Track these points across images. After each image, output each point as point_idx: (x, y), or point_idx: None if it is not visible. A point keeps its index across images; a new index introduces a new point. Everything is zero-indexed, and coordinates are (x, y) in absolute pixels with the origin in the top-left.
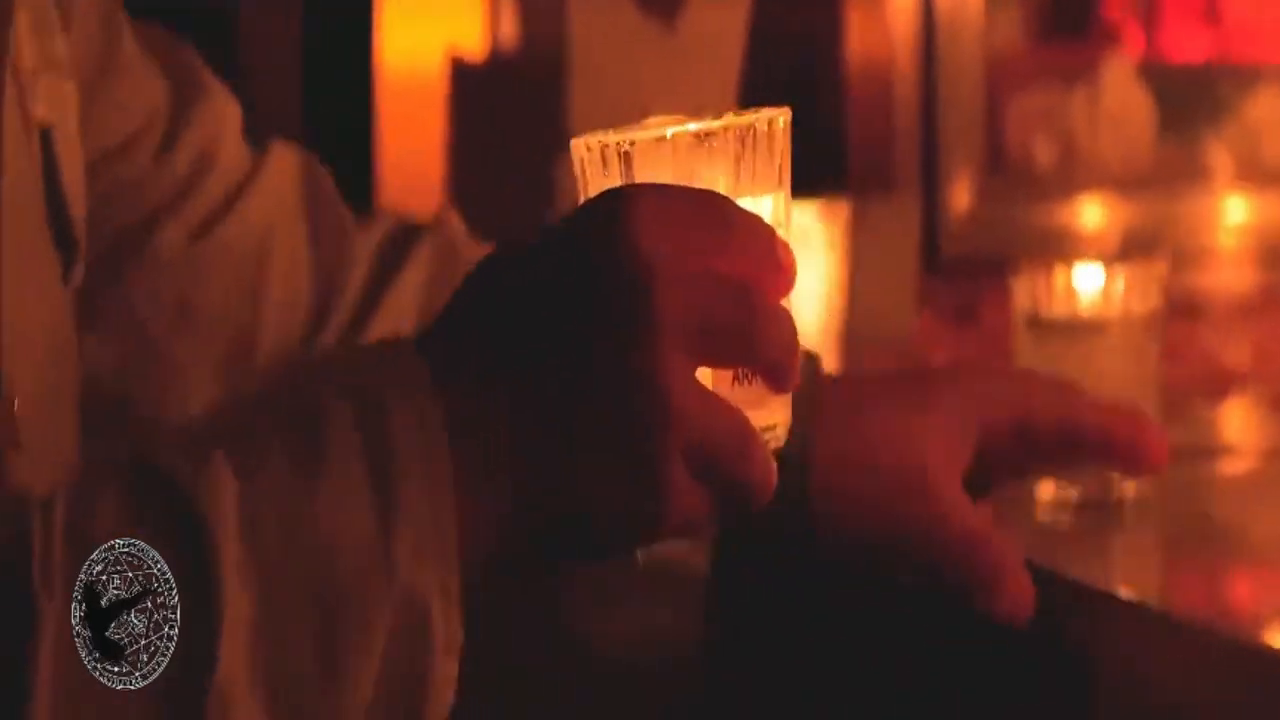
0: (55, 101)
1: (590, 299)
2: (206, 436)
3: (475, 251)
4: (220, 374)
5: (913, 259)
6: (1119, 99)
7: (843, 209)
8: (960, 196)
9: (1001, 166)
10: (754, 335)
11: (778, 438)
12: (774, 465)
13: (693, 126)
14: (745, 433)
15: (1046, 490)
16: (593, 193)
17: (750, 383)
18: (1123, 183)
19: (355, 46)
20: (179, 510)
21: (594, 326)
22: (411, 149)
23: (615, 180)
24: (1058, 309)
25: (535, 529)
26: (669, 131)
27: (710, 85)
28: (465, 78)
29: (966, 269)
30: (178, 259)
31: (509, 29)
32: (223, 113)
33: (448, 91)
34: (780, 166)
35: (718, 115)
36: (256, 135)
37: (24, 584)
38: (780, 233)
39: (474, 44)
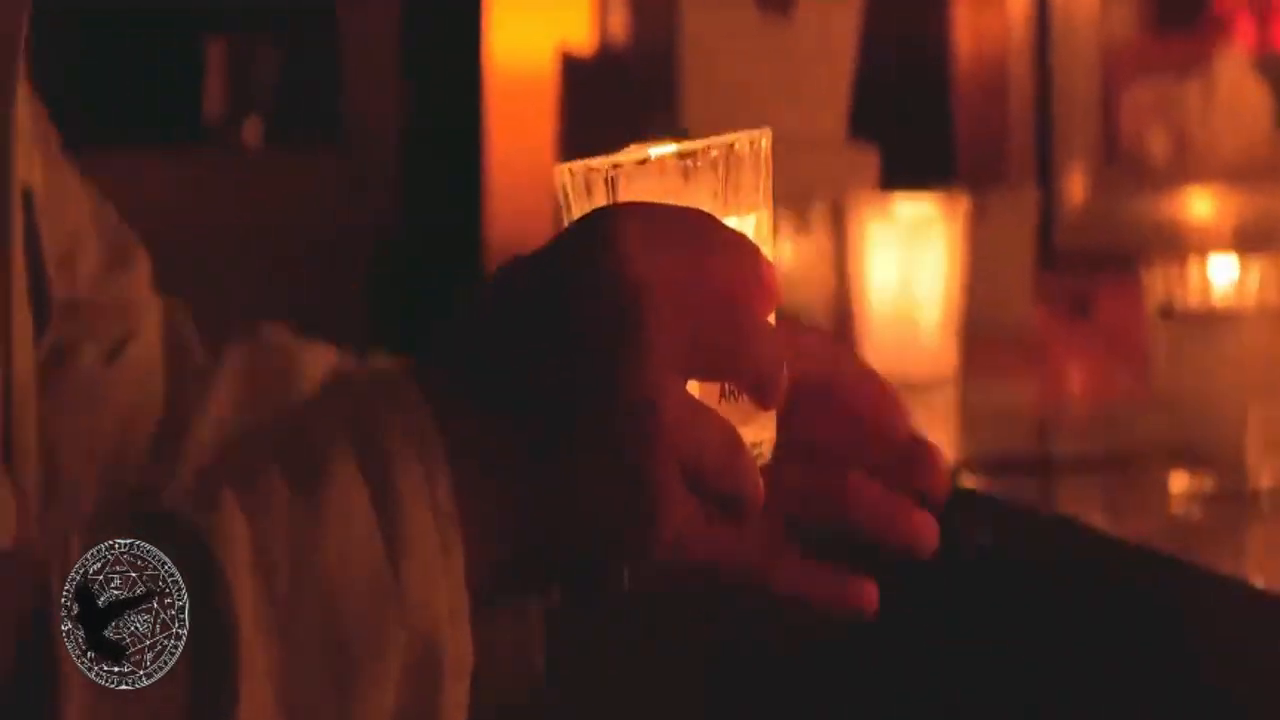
0: (32, 166)
1: (581, 318)
2: (212, 475)
3: (286, 360)
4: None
5: (1029, 252)
6: (1234, 91)
7: (962, 202)
8: (1075, 189)
9: (1115, 159)
10: (740, 351)
11: (763, 454)
12: (760, 479)
13: (676, 148)
14: (735, 445)
15: (1180, 481)
16: (577, 218)
17: (737, 400)
18: (1237, 174)
19: (464, 44)
20: (194, 559)
21: (585, 345)
22: (521, 147)
23: (600, 204)
24: (1192, 301)
25: (535, 546)
26: (652, 153)
27: (824, 79)
28: (576, 74)
29: (1081, 262)
30: (90, 382)
31: (619, 25)
32: (145, 262)
33: (558, 88)
34: (763, 185)
35: (699, 139)
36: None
37: (49, 646)
38: (765, 250)
39: (584, 40)
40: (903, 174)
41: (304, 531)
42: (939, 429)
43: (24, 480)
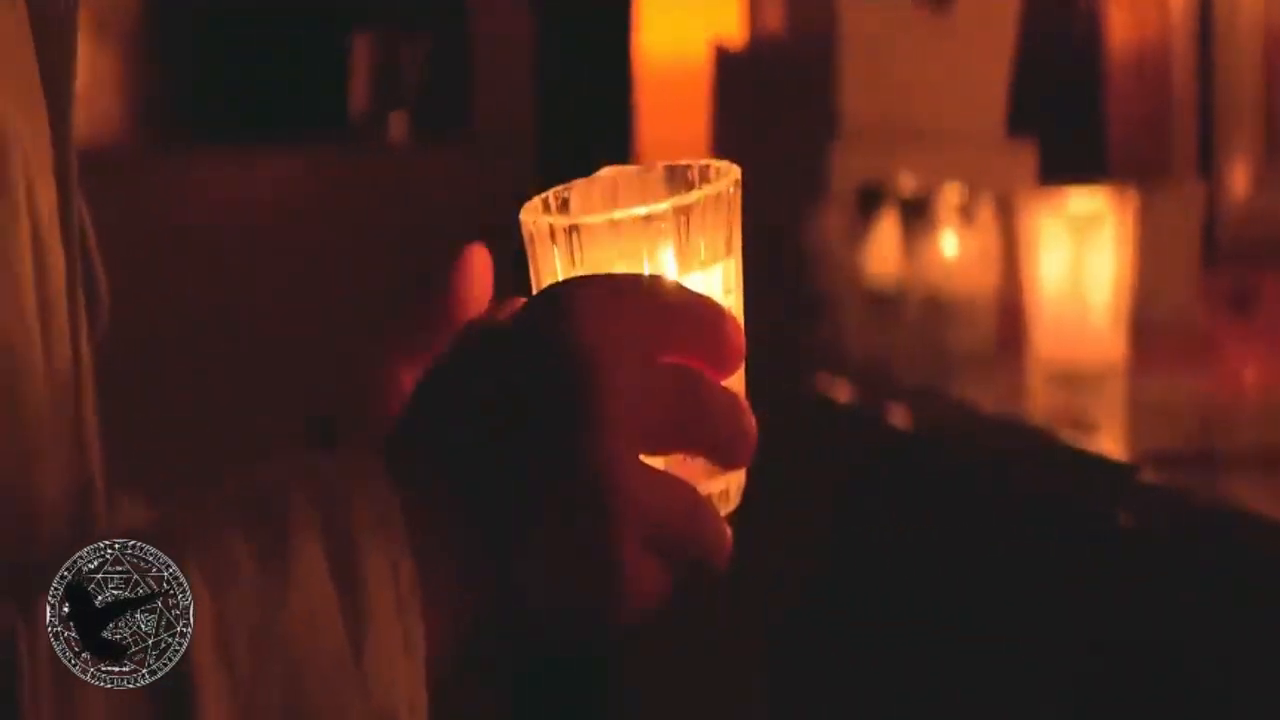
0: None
1: (536, 397)
2: (177, 544)
3: None
4: None
5: (1194, 246)
6: None
7: (1131, 196)
8: (1237, 183)
9: (1279, 153)
10: (697, 423)
11: (730, 500)
12: (727, 531)
13: (640, 212)
14: (693, 505)
15: None
16: (541, 266)
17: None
18: None
19: (611, 37)
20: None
21: (542, 426)
22: (672, 139)
23: (564, 255)
24: None
25: (499, 624)
26: (616, 215)
27: (983, 74)
28: (729, 67)
29: (1244, 256)
30: None
31: (774, 17)
32: None
33: (711, 81)
34: (730, 233)
35: (672, 166)
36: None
37: (13, 708)
38: (730, 299)
39: (737, 33)
40: (1059, 167)
41: (268, 611)
42: (1109, 420)
43: (90, 466)
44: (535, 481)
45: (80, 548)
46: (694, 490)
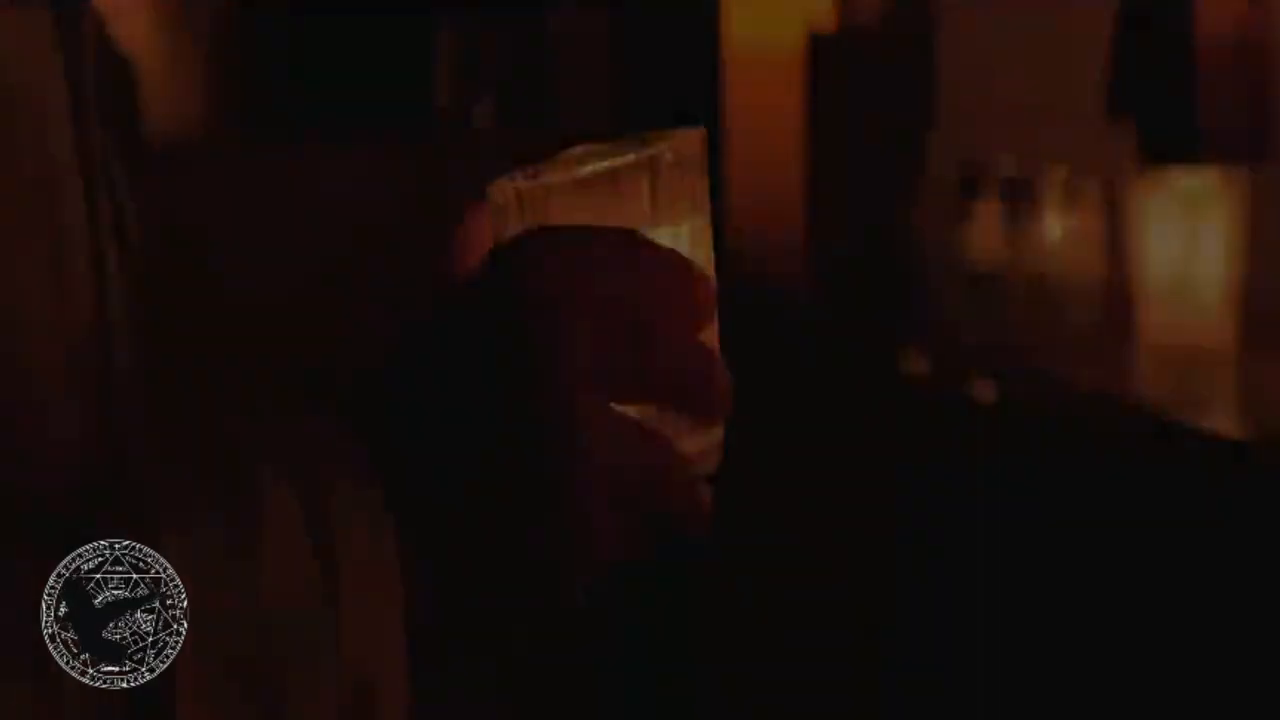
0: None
1: (502, 347)
2: (148, 502)
3: None
4: None
5: None
6: None
7: (1241, 177)
8: None
9: None
10: (664, 372)
11: (707, 461)
12: (703, 491)
13: (604, 165)
14: (666, 460)
15: None
16: (511, 234)
17: (679, 411)
18: None
19: (703, 23)
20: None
21: (508, 374)
22: (765, 128)
23: (532, 220)
24: None
25: (473, 580)
26: (581, 172)
27: (1081, 56)
28: (824, 52)
29: None
30: None
31: (868, 3)
32: None
33: (805, 67)
34: (696, 191)
35: (641, 139)
36: None
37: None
38: (699, 255)
39: (830, 17)
40: (1154, 149)
41: (242, 567)
42: (1219, 401)
43: (116, 416)
44: (499, 426)
45: (95, 501)
46: (667, 441)
